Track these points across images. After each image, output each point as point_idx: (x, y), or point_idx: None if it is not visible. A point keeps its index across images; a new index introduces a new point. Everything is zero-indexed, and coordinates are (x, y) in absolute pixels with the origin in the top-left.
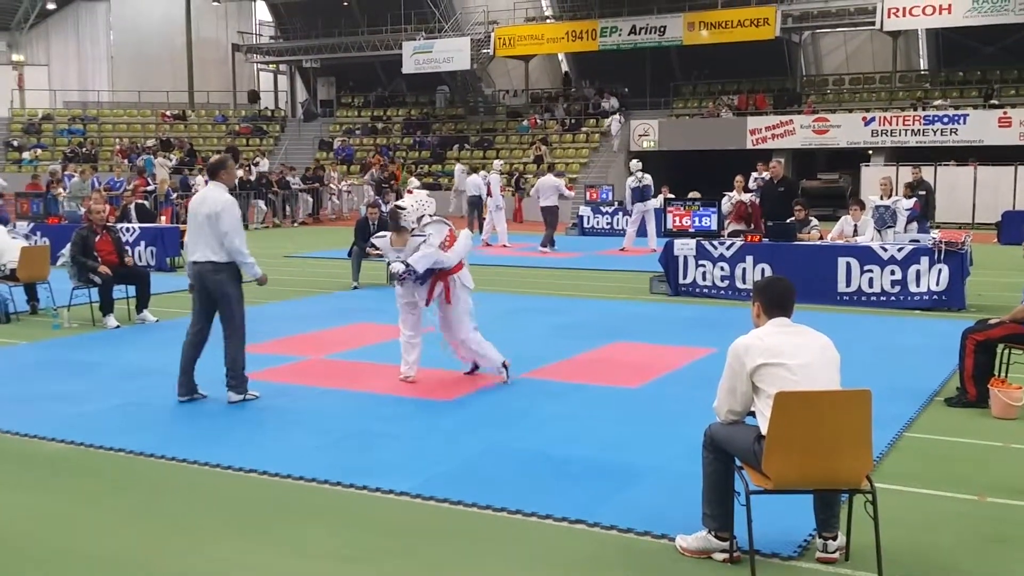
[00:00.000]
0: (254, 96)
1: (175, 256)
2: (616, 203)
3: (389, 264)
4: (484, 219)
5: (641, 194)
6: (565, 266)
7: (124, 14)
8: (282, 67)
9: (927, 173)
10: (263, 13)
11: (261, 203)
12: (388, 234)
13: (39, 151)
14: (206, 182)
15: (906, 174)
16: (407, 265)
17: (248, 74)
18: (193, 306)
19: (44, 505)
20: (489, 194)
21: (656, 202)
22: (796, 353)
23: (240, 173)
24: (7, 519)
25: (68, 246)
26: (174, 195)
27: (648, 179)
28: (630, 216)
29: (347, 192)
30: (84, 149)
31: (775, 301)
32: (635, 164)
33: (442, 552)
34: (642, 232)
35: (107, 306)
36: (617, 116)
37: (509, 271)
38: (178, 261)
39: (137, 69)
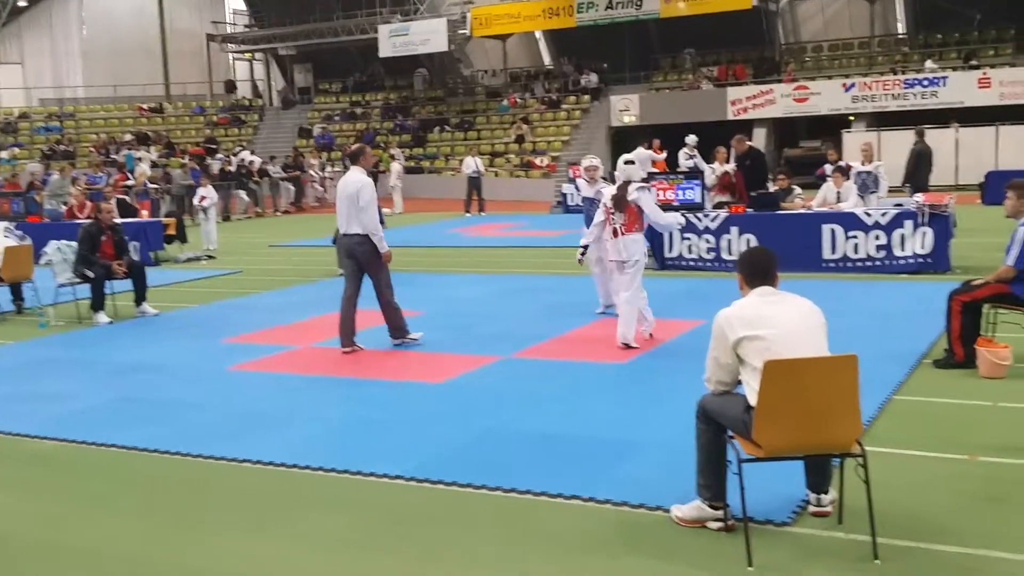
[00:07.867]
0: (231, 86)
1: (158, 250)
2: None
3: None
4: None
5: None
6: (552, 244)
7: (96, 8)
8: (258, 56)
9: (907, 137)
10: (236, 2)
11: (243, 193)
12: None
13: (16, 150)
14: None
15: (888, 139)
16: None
17: (224, 64)
18: (345, 273)
19: (40, 504)
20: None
21: None
22: (776, 323)
23: (219, 164)
24: (2, 519)
25: (53, 242)
26: (152, 188)
27: None
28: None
29: (329, 179)
30: (62, 146)
31: (756, 271)
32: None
33: (439, 533)
34: None
35: (98, 302)
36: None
37: (499, 252)
38: (161, 255)
39: (111, 63)
